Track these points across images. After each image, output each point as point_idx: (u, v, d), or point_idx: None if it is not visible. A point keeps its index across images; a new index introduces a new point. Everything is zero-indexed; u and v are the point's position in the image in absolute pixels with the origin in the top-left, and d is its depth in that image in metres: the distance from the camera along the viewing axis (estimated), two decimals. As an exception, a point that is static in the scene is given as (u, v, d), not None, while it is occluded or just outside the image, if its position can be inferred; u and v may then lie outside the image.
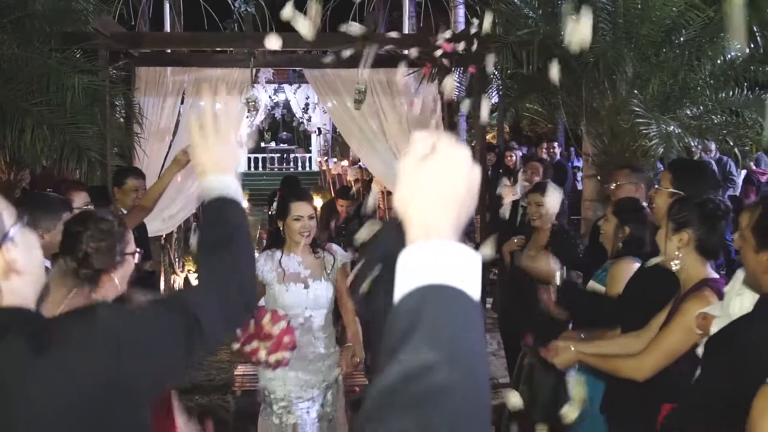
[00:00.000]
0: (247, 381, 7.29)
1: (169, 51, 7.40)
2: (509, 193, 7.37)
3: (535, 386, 5.03)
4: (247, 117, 7.29)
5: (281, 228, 4.27)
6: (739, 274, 2.89)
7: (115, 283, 2.54)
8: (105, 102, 6.06)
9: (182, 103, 7.05)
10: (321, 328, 4.28)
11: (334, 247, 4.47)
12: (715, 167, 5.19)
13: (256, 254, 4.00)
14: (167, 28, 11.22)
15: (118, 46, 6.39)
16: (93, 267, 2.48)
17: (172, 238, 8.42)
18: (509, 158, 10.86)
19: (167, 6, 10.87)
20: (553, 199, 4.38)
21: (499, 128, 12.46)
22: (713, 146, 9.15)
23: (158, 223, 6.85)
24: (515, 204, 6.35)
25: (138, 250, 2.67)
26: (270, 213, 8.18)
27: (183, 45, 7.36)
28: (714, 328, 2.66)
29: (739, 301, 2.73)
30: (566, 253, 5.12)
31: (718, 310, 2.85)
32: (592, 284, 4.16)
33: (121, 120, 6.80)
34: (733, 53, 5.15)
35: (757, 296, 2.51)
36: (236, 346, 3.71)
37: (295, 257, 4.25)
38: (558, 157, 11.71)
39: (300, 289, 4.20)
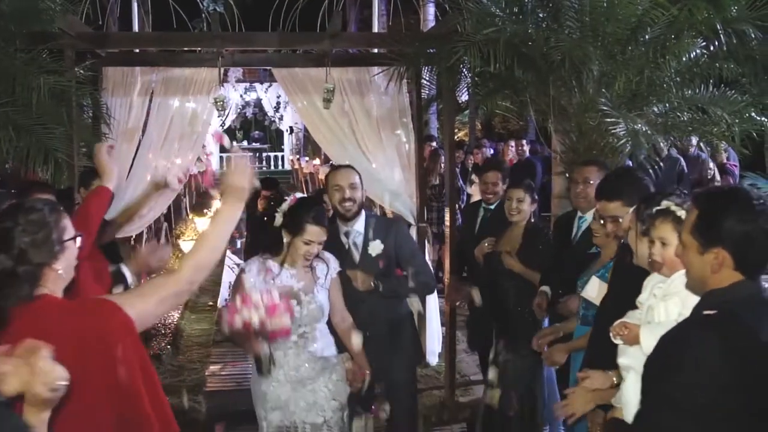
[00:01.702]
0: (218, 381, 7.29)
1: (136, 50, 7.34)
2: (478, 192, 7.36)
3: (510, 382, 5.07)
4: (218, 117, 7.22)
5: (284, 238, 4.03)
6: (653, 280, 2.94)
7: (59, 273, 2.41)
8: (72, 103, 6.00)
9: (150, 102, 6.99)
10: (317, 341, 4.06)
11: (327, 254, 4.20)
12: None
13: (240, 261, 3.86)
14: (135, 27, 11.14)
15: (84, 46, 6.33)
16: (31, 262, 2.33)
17: (142, 238, 8.36)
18: (478, 156, 10.94)
19: (135, 5, 10.78)
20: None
21: (471, 126, 12.56)
22: (694, 141, 9.21)
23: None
24: (476, 205, 6.31)
25: (79, 233, 2.51)
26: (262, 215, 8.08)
27: (150, 45, 7.30)
28: (650, 338, 2.61)
29: (664, 306, 2.76)
30: (540, 250, 5.16)
31: (636, 318, 2.90)
32: (595, 280, 4.16)
33: (89, 120, 6.72)
34: (697, 51, 5.21)
35: (687, 299, 2.54)
36: (226, 327, 3.31)
37: (288, 270, 4.05)
38: (527, 154, 11.74)
39: (293, 306, 3.89)
